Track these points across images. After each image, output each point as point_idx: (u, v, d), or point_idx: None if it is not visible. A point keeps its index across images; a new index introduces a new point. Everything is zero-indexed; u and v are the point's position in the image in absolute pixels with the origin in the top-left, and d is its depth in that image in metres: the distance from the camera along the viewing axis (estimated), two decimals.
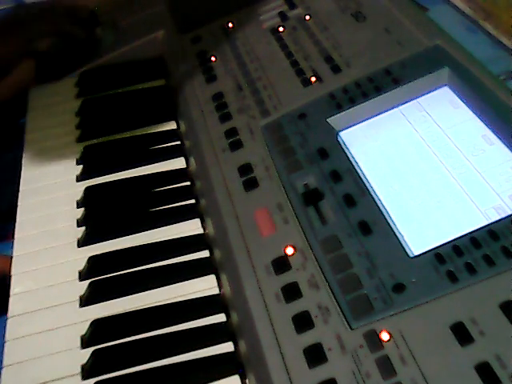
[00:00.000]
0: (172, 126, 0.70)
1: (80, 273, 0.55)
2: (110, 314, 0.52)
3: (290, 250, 0.50)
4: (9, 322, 0.52)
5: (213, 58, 0.72)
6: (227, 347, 0.48)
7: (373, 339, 0.43)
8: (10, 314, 0.52)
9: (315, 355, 0.43)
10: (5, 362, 0.49)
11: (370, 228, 0.49)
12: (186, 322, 0.50)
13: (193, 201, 0.60)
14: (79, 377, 0.48)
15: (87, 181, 0.64)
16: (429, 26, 0.64)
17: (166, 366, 0.48)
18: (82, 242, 0.58)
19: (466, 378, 0.39)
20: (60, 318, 0.52)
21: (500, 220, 0.46)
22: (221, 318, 0.50)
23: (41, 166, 0.67)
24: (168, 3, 0.82)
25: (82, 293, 0.53)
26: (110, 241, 0.58)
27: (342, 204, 0.51)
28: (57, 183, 0.65)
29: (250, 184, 0.57)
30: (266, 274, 0.49)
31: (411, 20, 0.65)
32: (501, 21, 0.70)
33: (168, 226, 0.58)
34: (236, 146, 0.61)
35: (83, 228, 0.59)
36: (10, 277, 0.55)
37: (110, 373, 0.48)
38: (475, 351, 0.40)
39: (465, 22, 0.75)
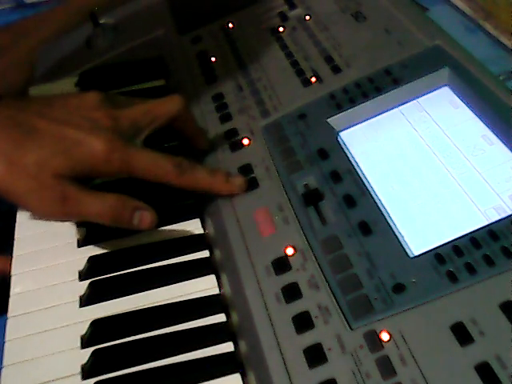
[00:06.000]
0: None
1: (80, 273, 0.55)
2: (110, 314, 0.51)
3: (290, 251, 0.50)
4: (9, 322, 0.52)
5: (213, 59, 0.72)
6: (227, 347, 0.48)
7: (373, 339, 0.43)
8: (9, 313, 0.52)
9: (315, 355, 0.43)
10: (5, 362, 0.49)
11: (370, 228, 0.49)
12: (186, 322, 0.50)
13: (193, 201, 0.60)
14: (79, 377, 0.47)
15: None
16: (429, 26, 0.64)
17: (166, 365, 0.48)
18: (81, 242, 0.58)
19: (466, 378, 0.39)
20: (60, 318, 0.51)
21: (500, 220, 0.46)
22: (221, 318, 0.50)
23: None
24: (168, 3, 0.82)
25: (82, 293, 0.53)
26: (110, 240, 0.58)
27: (342, 204, 0.51)
28: None
29: (250, 184, 0.57)
30: (266, 274, 0.49)
31: (411, 20, 0.65)
32: (501, 21, 0.70)
33: (168, 226, 0.58)
34: (236, 146, 0.61)
35: (83, 228, 0.59)
36: (10, 277, 0.55)
37: (110, 373, 0.47)
38: (475, 351, 0.40)
39: (465, 21, 0.75)
